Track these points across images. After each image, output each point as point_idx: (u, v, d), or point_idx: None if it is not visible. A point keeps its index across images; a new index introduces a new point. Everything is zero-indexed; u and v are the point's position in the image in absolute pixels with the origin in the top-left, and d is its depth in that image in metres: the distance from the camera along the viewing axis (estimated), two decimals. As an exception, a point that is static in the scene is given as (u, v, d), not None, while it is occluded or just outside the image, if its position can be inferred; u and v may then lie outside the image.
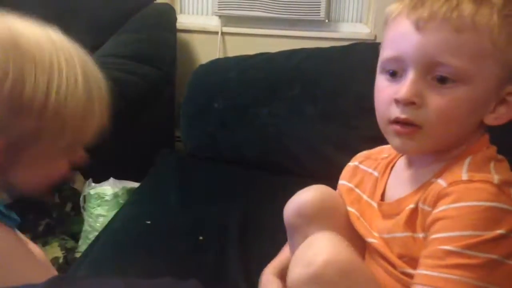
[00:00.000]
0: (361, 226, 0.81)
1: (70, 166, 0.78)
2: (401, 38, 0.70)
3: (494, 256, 0.62)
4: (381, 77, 0.74)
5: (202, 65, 1.67)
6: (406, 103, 0.68)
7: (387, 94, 0.71)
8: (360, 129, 1.32)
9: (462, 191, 0.64)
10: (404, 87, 0.68)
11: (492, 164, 0.68)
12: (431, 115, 0.67)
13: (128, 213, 1.26)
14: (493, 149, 0.72)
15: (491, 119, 0.69)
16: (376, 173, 0.83)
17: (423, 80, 0.67)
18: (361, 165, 0.86)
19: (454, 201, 0.64)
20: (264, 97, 1.51)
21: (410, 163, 0.78)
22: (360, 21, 1.77)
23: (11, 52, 0.66)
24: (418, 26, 0.67)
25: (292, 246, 0.86)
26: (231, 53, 1.89)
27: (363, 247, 0.83)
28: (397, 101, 0.69)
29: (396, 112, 0.69)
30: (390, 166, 0.82)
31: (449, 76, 0.66)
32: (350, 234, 0.80)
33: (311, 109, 1.45)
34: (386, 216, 0.77)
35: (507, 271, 0.62)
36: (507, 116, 0.69)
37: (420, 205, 0.69)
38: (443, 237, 0.64)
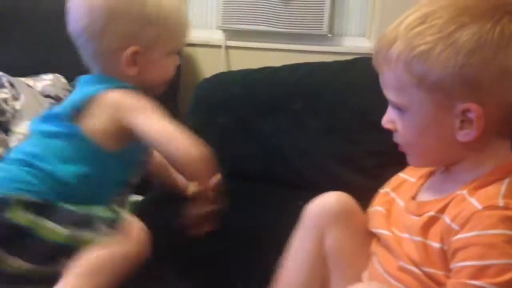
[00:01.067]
0: (379, 219, 0.84)
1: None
2: None
3: None
4: None
5: (206, 79, 1.68)
6: (386, 128, 0.79)
7: None
8: (363, 143, 1.32)
9: (496, 217, 0.65)
10: (385, 116, 0.80)
11: None
12: (400, 138, 0.79)
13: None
14: None
15: (463, 136, 0.72)
16: (413, 179, 0.87)
17: (394, 109, 0.77)
18: (403, 174, 0.91)
19: (488, 228, 0.64)
20: (267, 111, 1.51)
21: (444, 172, 0.81)
22: (363, 36, 1.78)
23: None
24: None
25: (301, 248, 0.90)
26: (234, 67, 1.90)
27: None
28: None
29: None
30: (429, 172, 0.85)
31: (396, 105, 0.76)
32: (366, 240, 0.87)
33: (314, 122, 1.46)
34: (409, 213, 0.79)
35: None
36: (476, 131, 0.70)
37: (446, 219, 0.70)
38: (478, 266, 0.64)
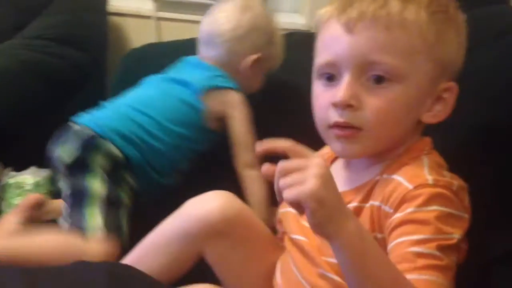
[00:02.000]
0: (290, 223, 0.79)
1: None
2: (333, 42, 0.69)
3: (453, 259, 0.63)
4: (317, 83, 0.74)
5: (134, 49, 1.61)
6: (344, 106, 0.67)
7: (325, 99, 0.71)
8: (295, 116, 1.31)
9: (429, 195, 0.64)
10: (340, 91, 0.68)
11: (444, 171, 0.69)
12: (369, 117, 0.67)
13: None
14: (436, 152, 0.72)
15: (429, 117, 0.70)
16: None
17: (358, 82, 0.68)
18: None
19: (422, 205, 0.64)
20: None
21: (348, 161, 0.77)
22: (296, 12, 1.76)
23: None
24: (349, 27, 0.67)
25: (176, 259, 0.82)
26: (166, 39, 1.83)
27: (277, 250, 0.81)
28: (335, 105, 0.68)
29: (335, 116, 0.69)
30: (329, 161, 0.81)
31: (383, 74, 0.66)
32: (259, 244, 0.81)
33: (249, 98, 1.43)
34: None
35: (453, 275, 0.64)
36: (444, 113, 0.69)
37: (375, 204, 0.68)
38: (413, 240, 0.63)
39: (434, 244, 0.62)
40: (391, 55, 0.66)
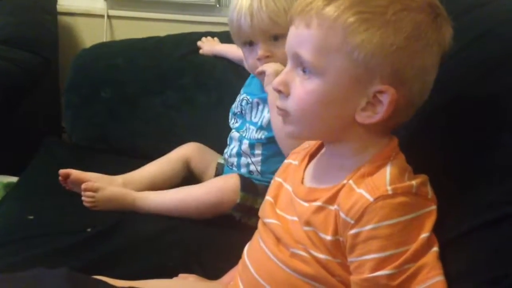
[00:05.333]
0: (267, 208, 0.82)
1: None
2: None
3: (428, 254, 0.66)
4: None
5: (84, 50, 1.57)
6: (276, 91, 0.74)
7: None
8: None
9: (389, 208, 0.65)
10: (277, 77, 0.75)
11: (407, 174, 0.70)
12: (291, 103, 0.73)
13: (8, 208, 1.17)
14: (402, 155, 0.74)
15: (363, 117, 0.70)
16: (295, 162, 0.84)
17: (294, 71, 0.73)
18: (289, 160, 0.87)
19: (383, 219, 0.65)
20: (156, 86, 1.46)
21: (324, 157, 0.79)
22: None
23: None
24: (291, 20, 0.73)
25: None
26: (118, 38, 1.80)
27: None
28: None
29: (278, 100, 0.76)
30: (308, 154, 0.83)
31: (305, 67, 0.71)
32: None
33: (204, 97, 1.43)
34: (299, 198, 0.77)
35: (434, 265, 0.66)
36: (381, 115, 0.69)
37: (341, 213, 0.69)
38: (379, 258, 0.65)
39: (401, 259, 0.64)
40: (308, 51, 0.69)
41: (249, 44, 1.13)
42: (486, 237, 0.65)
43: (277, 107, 0.75)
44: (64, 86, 1.52)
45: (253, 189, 1.13)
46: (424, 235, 0.66)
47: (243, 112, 1.23)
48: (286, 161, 0.88)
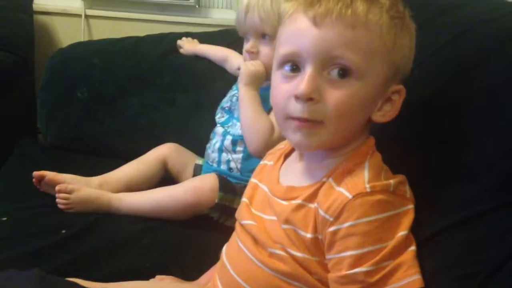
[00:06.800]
0: (243, 210, 0.82)
1: None
2: (298, 33, 0.71)
3: (405, 252, 0.66)
4: (277, 73, 0.74)
5: (60, 49, 1.55)
6: (306, 99, 0.68)
7: (284, 90, 0.72)
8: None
9: (368, 205, 0.66)
10: (303, 83, 0.68)
11: (383, 173, 0.71)
12: (330, 109, 0.68)
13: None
14: (379, 154, 0.74)
15: (378, 117, 0.72)
16: (271, 163, 0.84)
17: (320, 76, 0.69)
18: (264, 161, 0.87)
19: (362, 216, 0.66)
20: (134, 86, 1.44)
21: (302, 156, 0.78)
22: (230, 8, 1.77)
23: None
24: (315, 22, 0.69)
25: None
26: (97, 39, 1.78)
27: None
28: (297, 97, 0.69)
29: (297, 110, 0.69)
30: (283, 154, 0.82)
31: (345, 69, 0.68)
32: None
33: (183, 98, 1.42)
34: (276, 197, 0.77)
35: (411, 263, 0.67)
36: (392, 114, 0.72)
37: (320, 211, 0.69)
38: (357, 255, 0.65)
39: (378, 256, 0.65)
40: (354, 52, 0.68)
41: (245, 37, 1.19)
42: (459, 235, 0.66)
43: (306, 119, 0.69)
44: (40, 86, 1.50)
45: (231, 189, 1.13)
46: (401, 233, 0.66)
47: (232, 108, 1.23)
48: (261, 162, 0.88)
